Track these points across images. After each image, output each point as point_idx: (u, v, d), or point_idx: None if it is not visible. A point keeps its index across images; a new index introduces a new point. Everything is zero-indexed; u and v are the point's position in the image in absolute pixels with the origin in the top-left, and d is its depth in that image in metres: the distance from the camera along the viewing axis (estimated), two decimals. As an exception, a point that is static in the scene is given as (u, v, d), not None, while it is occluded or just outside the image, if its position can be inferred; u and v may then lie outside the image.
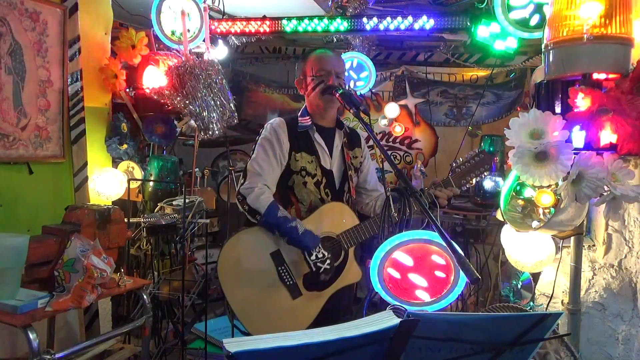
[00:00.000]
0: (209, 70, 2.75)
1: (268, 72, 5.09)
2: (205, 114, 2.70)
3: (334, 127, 2.09)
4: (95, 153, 2.88)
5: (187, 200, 2.82)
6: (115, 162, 3.02)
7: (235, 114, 2.93)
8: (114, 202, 2.84)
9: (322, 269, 1.86)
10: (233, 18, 3.59)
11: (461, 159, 1.92)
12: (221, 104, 2.79)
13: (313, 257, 1.84)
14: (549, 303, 2.04)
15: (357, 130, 2.24)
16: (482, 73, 4.43)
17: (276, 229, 1.86)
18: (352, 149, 2.14)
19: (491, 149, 3.38)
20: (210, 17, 3.29)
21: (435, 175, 4.26)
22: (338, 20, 3.35)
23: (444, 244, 1.27)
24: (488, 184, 3.26)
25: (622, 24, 1.50)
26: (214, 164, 4.31)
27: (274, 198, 1.93)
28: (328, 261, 1.86)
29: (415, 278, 1.42)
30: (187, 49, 2.84)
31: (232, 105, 2.88)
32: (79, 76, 2.76)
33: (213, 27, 3.44)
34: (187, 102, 2.66)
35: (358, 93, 4.00)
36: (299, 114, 2.05)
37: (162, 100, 2.77)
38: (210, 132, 2.76)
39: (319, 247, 1.84)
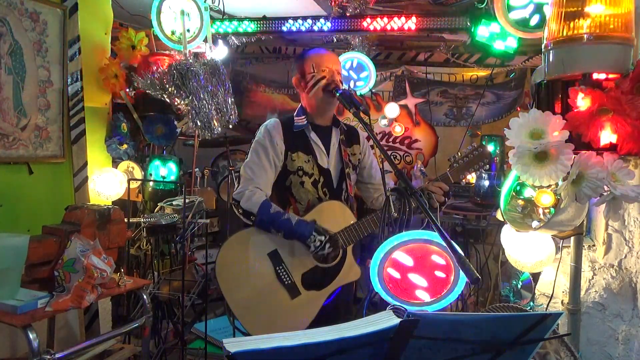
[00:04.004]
0: (209, 69, 2.76)
1: (268, 72, 5.09)
2: (205, 112, 2.69)
3: (330, 125, 2.09)
4: (95, 153, 2.88)
5: (187, 200, 2.82)
6: (115, 162, 3.02)
7: (236, 113, 2.93)
8: (114, 202, 2.84)
9: (326, 254, 1.85)
10: (233, 18, 3.59)
11: (459, 154, 1.92)
12: (222, 103, 2.79)
13: (312, 249, 1.83)
14: (549, 303, 2.04)
15: (356, 128, 2.24)
16: (482, 73, 4.43)
17: (271, 226, 1.86)
18: (350, 146, 2.13)
19: (495, 149, 3.38)
20: (210, 17, 3.28)
21: (435, 175, 4.25)
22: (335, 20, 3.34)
23: (444, 244, 1.27)
24: (488, 183, 3.26)
25: (622, 24, 1.50)
26: (214, 164, 4.32)
27: (270, 198, 1.93)
28: (328, 244, 1.83)
29: (415, 278, 1.42)
30: (187, 49, 2.84)
31: (232, 104, 2.88)
32: (79, 76, 2.76)
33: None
34: (188, 100, 2.67)
35: (358, 93, 4.00)
36: (295, 114, 2.05)
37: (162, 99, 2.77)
38: (210, 131, 2.76)
39: (314, 235, 1.82)
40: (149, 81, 2.73)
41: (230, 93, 2.90)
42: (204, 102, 2.69)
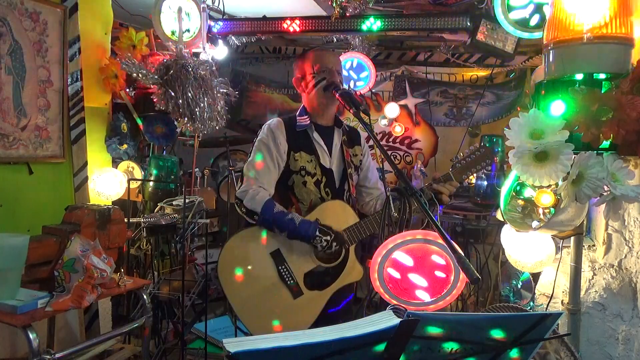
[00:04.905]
0: (201, 68, 2.76)
1: (268, 72, 5.09)
2: (189, 103, 2.69)
3: (332, 125, 2.09)
4: (95, 153, 2.88)
5: (187, 200, 2.82)
6: (115, 162, 3.02)
7: (224, 118, 2.93)
8: (114, 202, 2.84)
9: (334, 252, 1.86)
10: (233, 18, 3.59)
11: (462, 154, 1.92)
12: (210, 103, 2.79)
13: (319, 249, 1.83)
14: (549, 303, 2.04)
15: (357, 129, 2.25)
16: (482, 73, 4.43)
17: (274, 226, 1.86)
18: (352, 146, 2.13)
19: (498, 149, 3.37)
20: (210, 17, 3.29)
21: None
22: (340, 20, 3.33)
23: (444, 244, 1.27)
24: (488, 183, 3.25)
25: (622, 24, 1.50)
26: (214, 164, 4.32)
27: (272, 198, 1.93)
28: (335, 243, 1.84)
29: (415, 278, 1.42)
30: (181, 46, 2.84)
31: (220, 107, 2.88)
32: (79, 76, 2.76)
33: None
34: (174, 96, 2.67)
35: (358, 93, 4.00)
36: (297, 114, 2.05)
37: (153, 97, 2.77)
38: (199, 127, 2.76)
39: (319, 236, 1.82)
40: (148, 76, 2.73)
41: (221, 95, 2.90)
42: (189, 94, 2.68)
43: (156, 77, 2.69)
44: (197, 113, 2.73)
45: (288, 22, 3.30)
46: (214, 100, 2.82)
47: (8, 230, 2.32)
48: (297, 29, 3.29)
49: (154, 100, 2.77)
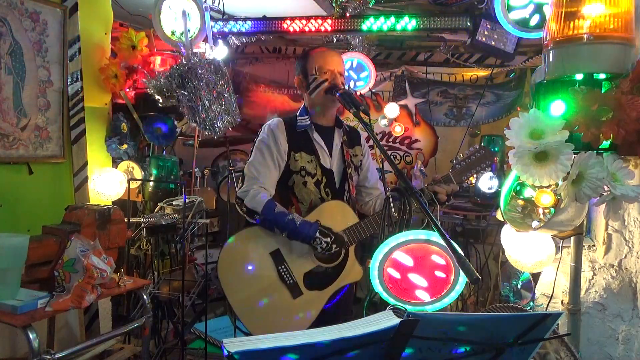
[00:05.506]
0: (211, 70, 2.76)
1: (268, 72, 5.09)
2: (208, 113, 2.70)
3: (333, 126, 2.09)
4: (95, 153, 2.88)
5: (187, 200, 2.82)
6: (115, 162, 3.02)
7: (239, 113, 2.93)
8: (114, 202, 2.84)
9: (333, 254, 1.86)
10: (233, 18, 3.59)
11: (462, 155, 1.92)
12: (225, 104, 2.80)
13: (319, 250, 1.84)
14: (549, 303, 2.04)
15: (357, 129, 2.25)
16: (482, 73, 4.43)
17: (275, 225, 1.86)
18: (352, 147, 2.14)
19: (495, 148, 3.37)
20: (210, 17, 3.29)
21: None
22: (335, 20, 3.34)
23: (444, 244, 1.27)
24: (488, 183, 3.25)
25: (622, 24, 1.50)
26: (214, 164, 4.32)
27: (272, 198, 1.93)
28: (334, 245, 1.84)
29: (415, 278, 1.42)
30: (190, 49, 2.84)
31: (235, 105, 2.88)
32: (79, 76, 2.76)
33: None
34: (189, 101, 2.67)
35: (358, 93, 4.00)
36: (298, 114, 2.05)
37: (162, 99, 2.77)
38: (214, 132, 2.77)
39: (319, 237, 1.82)
40: (160, 82, 2.73)
41: (233, 93, 2.90)
42: (206, 101, 2.69)
43: (171, 86, 2.69)
44: (218, 121, 2.74)
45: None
46: (229, 102, 2.83)
47: (8, 230, 2.32)
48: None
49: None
